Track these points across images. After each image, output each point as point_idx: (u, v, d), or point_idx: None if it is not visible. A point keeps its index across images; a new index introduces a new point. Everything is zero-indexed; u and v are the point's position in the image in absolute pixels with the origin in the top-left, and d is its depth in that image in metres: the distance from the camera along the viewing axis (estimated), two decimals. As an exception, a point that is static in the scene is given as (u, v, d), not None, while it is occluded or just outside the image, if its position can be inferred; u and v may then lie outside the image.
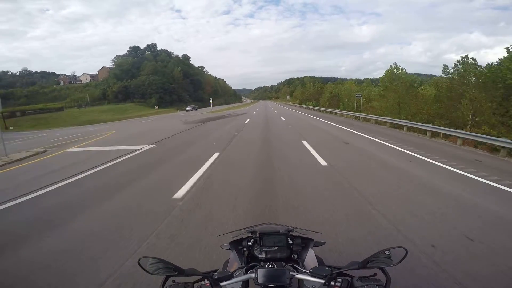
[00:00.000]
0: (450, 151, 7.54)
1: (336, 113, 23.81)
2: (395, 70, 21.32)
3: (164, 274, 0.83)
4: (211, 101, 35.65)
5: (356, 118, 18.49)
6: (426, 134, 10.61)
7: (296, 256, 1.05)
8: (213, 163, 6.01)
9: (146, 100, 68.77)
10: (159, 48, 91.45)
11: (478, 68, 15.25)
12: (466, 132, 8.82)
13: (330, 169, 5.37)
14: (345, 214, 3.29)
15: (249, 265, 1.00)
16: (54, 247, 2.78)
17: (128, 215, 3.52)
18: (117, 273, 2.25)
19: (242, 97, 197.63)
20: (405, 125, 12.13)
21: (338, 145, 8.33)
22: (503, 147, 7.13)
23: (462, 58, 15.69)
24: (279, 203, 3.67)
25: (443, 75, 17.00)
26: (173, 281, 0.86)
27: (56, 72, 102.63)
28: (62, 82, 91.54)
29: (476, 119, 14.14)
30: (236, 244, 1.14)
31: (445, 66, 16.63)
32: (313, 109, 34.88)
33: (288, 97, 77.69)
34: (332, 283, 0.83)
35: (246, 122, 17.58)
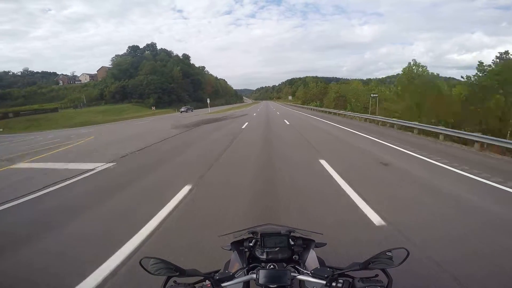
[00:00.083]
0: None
1: (345, 115, 21.32)
2: (414, 67, 18.58)
3: (166, 274, 0.81)
4: (208, 101, 33.25)
5: (372, 121, 15.81)
6: (472, 145, 8.19)
7: (297, 257, 1.03)
8: (174, 209, 3.61)
9: (144, 101, 66.68)
10: (159, 47, 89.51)
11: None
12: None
13: (392, 233, 2.78)
14: None
15: (250, 266, 0.99)
16: None
17: None
18: None
19: (243, 97, 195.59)
20: (442, 133, 9.67)
21: (376, 169, 5.51)
22: None
23: (501, 54, 13.14)
24: None
25: (478, 74, 14.31)
26: (175, 281, 0.86)
27: (57, 72, 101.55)
28: (61, 82, 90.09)
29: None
30: (237, 245, 1.11)
31: (480, 63, 14.01)
32: (318, 110, 32.45)
33: (290, 97, 75.35)
34: (334, 284, 0.81)
35: (243, 126, 15.17)
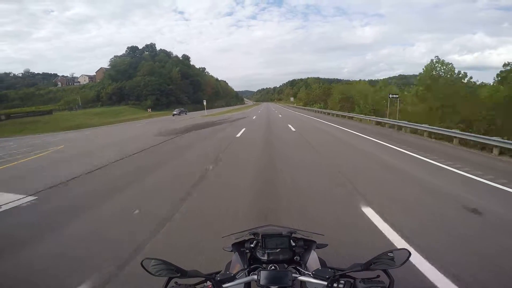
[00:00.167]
0: None
1: (361, 119, 18.45)
2: (437, 65, 16.08)
3: (167, 275, 0.81)
4: (204, 103, 31.09)
5: (399, 128, 12.62)
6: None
7: (298, 258, 1.03)
8: None
9: (141, 102, 64.65)
10: (158, 48, 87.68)
11: None
12: None
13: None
14: None
15: (251, 267, 0.98)
16: None
17: None
18: None
19: (244, 99, 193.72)
20: (497, 146, 7.37)
21: (466, 220, 3.18)
22: None
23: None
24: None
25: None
26: (176, 282, 0.85)
27: (58, 74, 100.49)
28: (59, 83, 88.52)
29: None
30: (238, 246, 1.12)
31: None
32: (323, 112, 30.16)
33: (292, 98, 72.97)
34: (335, 285, 0.81)
35: (238, 135, 12.93)
